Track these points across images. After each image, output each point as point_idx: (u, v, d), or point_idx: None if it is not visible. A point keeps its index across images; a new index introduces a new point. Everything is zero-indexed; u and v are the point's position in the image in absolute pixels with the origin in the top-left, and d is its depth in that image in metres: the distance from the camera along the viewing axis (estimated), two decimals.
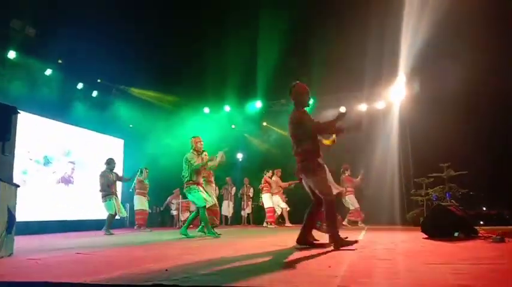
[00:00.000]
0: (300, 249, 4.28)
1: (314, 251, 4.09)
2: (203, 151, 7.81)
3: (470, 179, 8.62)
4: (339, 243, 4.20)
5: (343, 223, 10.41)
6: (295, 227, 10.22)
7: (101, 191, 8.75)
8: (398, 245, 4.64)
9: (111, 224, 8.55)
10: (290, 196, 11.52)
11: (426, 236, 5.60)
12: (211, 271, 2.84)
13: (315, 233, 4.83)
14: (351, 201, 10.45)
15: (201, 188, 6.98)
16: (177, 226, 12.06)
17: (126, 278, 2.61)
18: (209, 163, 7.28)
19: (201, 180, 7.15)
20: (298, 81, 4.71)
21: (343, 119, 4.59)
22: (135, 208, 10.26)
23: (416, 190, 9.57)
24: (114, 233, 8.31)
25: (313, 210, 4.61)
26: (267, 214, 11.28)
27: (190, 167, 6.90)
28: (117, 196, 8.97)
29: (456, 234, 5.38)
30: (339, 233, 4.28)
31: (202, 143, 7.20)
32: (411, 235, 6.38)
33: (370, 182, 10.85)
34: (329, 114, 12.24)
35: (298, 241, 4.54)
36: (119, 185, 10.64)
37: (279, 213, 11.44)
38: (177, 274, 2.69)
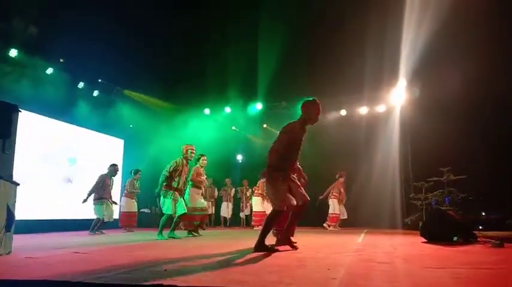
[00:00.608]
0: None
1: (312, 254, 4.09)
2: (202, 155, 7.88)
3: (469, 183, 8.61)
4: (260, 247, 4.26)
5: (324, 225, 10.45)
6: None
7: (92, 192, 8.65)
8: (397, 249, 4.64)
9: (96, 226, 8.54)
10: None
11: (425, 240, 5.60)
12: (209, 272, 2.84)
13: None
14: (333, 205, 10.51)
15: (176, 195, 6.95)
16: (179, 227, 12.04)
17: (125, 277, 2.61)
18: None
19: (178, 186, 7.05)
20: (316, 100, 4.67)
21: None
22: (121, 209, 10.11)
23: (416, 194, 9.56)
24: (108, 233, 8.32)
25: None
26: (254, 217, 11.12)
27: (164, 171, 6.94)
28: (110, 202, 8.87)
29: (455, 238, 5.38)
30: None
31: (194, 151, 7.18)
32: (410, 239, 6.38)
33: (370, 186, 10.85)
34: (331, 117, 12.30)
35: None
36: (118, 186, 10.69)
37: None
38: (176, 274, 2.69)
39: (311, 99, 4.66)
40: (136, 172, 10.14)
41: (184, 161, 7.05)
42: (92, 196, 8.68)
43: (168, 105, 13.45)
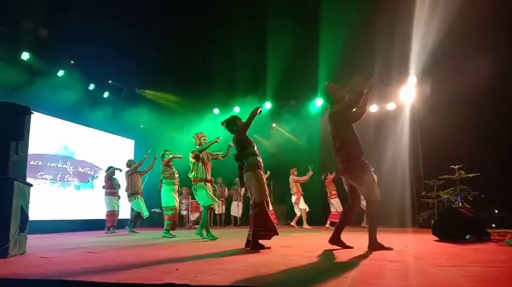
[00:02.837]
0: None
1: (324, 252, 4.09)
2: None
3: (482, 181, 8.50)
4: (375, 246, 4.17)
5: (326, 225, 10.43)
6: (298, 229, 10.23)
7: (127, 190, 8.98)
8: (409, 247, 4.61)
9: (133, 222, 8.80)
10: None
11: (437, 238, 5.56)
12: (220, 271, 2.85)
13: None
14: (337, 204, 10.56)
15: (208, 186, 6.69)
16: (187, 226, 12.12)
17: (138, 277, 2.64)
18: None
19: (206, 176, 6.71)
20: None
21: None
22: (107, 209, 9.47)
23: (427, 192, 9.47)
24: (121, 232, 8.40)
25: (349, 210, 4.59)
26: None
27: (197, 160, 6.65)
28: (142, 196, 9.10)
29: (467, 237, 5.34)
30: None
31: (207, 139, 6.88)
32: (422, 237, 6.34)
33: (380, 184, 10.78)
34: None
35: (331, 241, 4.50)
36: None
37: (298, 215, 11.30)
38: (188, 274, 2.71)
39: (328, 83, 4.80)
40: (108, 169, 9.64)
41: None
42: (125, 194, 9.00)
43: (178, 105, 13.49)
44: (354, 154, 4.34)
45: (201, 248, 4.67)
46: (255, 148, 4.99)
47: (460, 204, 8.18)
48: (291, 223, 11.10)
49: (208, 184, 6.67)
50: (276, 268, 3.04)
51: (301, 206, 11.02)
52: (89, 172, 11.04)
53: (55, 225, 9.25)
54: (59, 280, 2.56)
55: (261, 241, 4.52)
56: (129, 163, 9.36)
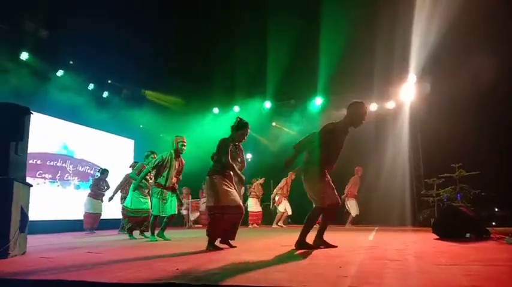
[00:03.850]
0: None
1: (324, 252, 4.09)
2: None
3: (482, 179, 8.50)
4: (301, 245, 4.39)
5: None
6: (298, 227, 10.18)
7: (116, 191, 8.88)
8: (409, 246, 4.61)
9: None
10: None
11: (437, 237, 5.56)
12: (220, 270, 2.85)
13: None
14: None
15: (164, 194, 6.33)
16: (187, 226, 12.12)
17: (138, 276, 2.64)
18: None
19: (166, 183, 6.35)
20: (364, 104, 4.67)
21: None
22: (86, 210, 9.42)
23: (427, 190, 9.48)
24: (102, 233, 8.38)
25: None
26: (250, 217, 11.42)
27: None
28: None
29: (468, 235, 5.34)
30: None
31: (185, 144, 6.39)
32: (422, 235, 6.34)
33: (380, 183, 10.79)
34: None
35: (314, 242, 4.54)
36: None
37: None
38: (188, 273, 2.71)
39: (359, 101, 4.67)
40: (104, 171, 9.69)
41: (174, 155, 6.34)
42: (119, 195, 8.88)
43: (177, 106, 13.49)
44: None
45: (200, 247, 4.66)
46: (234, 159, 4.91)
47: (460, 202, 8.19)
48: (277, 224, 11.26)
49: (165, 192, 6.31)
50: (276, 267, 3.03)
51: (280, 208, 11.29)
52: (89, 171, 11.03)
53: (55, 225, 9.25)
54: (59, 280, 2.56)
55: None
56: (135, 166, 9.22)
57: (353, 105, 4.63)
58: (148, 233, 6.78)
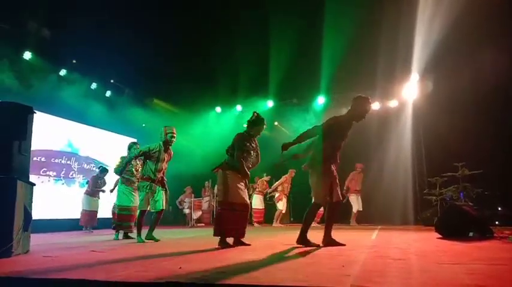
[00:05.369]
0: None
1: (326, 251, 4.09)
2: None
3: (485, 178, 8.48)
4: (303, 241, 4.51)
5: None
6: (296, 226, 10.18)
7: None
8: (412, 245, 4.61)
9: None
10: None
11: (440, 236, 5.55)
12: (224, 269, 2.85)
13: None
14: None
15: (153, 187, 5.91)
16: (190, 225, 12.14)
17: (142, 275, 2.64)
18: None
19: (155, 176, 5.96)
20: (369, 98, 4.69)
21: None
22: (84, 208, 9.41)
23: (430, 189, 9.46)
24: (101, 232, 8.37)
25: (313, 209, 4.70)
26: (254, 214, 11.38)
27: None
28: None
29: (471, 234, 5.33)
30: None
31: (175, 135, 6.05)
32: (425, 234, 6.33)
33: (383, 182, 10.78)
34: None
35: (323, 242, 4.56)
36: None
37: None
38: (191, 272, 2.72)
39: (364, 96, 4.70)
40: (104, 171, 9.54)
41: (163, 147, 5.99)
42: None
43: (177, 107, 13.53)
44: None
45: (203, 246, 4.67)
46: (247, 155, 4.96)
47: (463, 201, 8.16)
48: (278, 223, 11.28)
49: (154, 185, 5.92)
50: (278, 265, 3.04)
51: (279, 206, 11.29)
52: (94, 168, 11.05)
53: (59, 224, 9.28)
54: (62, 279, 2.57)
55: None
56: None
57: (358, 99, 4.67)
58: (133, 234, 6.43)
